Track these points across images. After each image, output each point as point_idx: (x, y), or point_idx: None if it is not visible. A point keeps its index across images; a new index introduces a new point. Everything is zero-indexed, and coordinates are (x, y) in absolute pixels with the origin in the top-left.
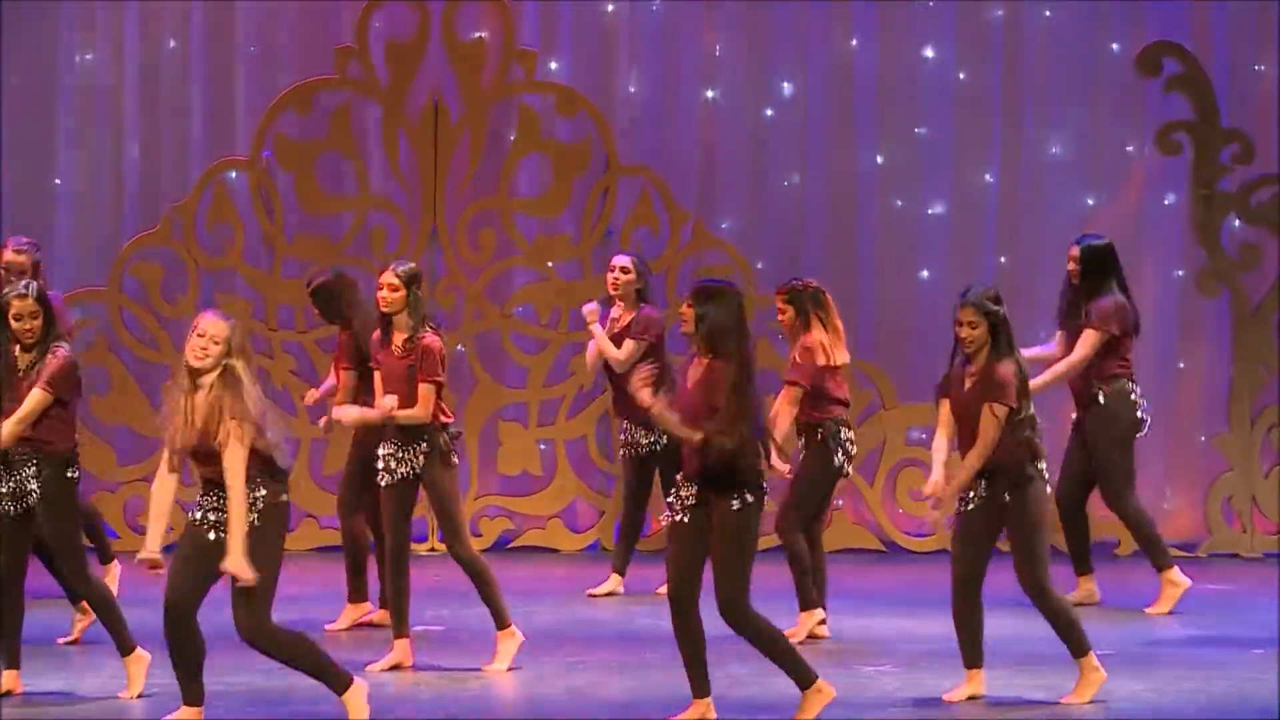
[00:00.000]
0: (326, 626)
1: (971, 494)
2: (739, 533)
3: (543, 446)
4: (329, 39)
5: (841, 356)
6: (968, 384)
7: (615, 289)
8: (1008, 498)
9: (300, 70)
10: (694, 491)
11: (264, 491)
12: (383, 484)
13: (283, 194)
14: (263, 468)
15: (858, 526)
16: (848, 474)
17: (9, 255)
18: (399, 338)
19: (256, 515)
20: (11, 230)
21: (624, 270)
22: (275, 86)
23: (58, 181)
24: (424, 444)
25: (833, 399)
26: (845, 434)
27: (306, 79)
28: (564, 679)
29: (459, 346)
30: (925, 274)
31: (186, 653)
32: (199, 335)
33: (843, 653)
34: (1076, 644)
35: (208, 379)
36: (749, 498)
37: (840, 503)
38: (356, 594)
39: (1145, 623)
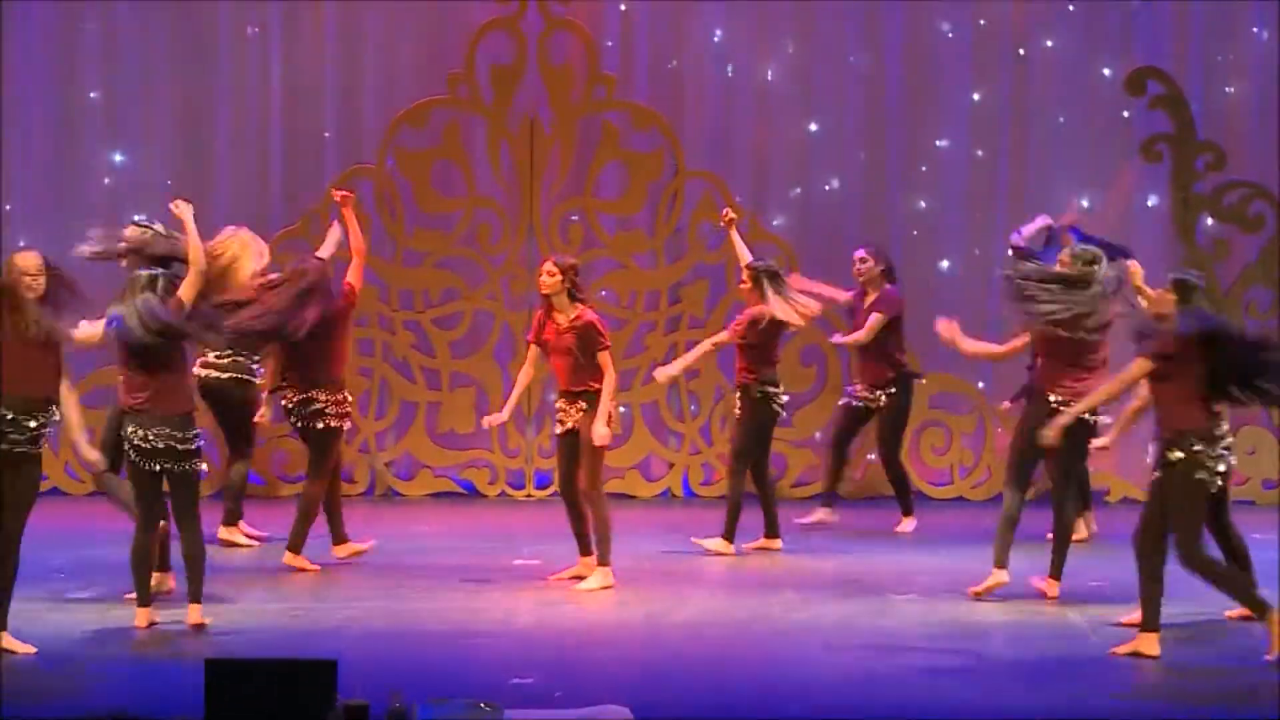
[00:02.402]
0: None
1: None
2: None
3: (622, 409)
4: (442, 65)
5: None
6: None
7: (861, 276)
8: None
9: (417, 92)
10: None
11: None
12: (556, 433)
13: (403, 196)
14: None
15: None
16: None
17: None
18: (560, 316)
19: None
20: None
21: (863, 260)
22: (396, 106)
23: (216, 185)
24: (582, 402)
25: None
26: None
27: (423, 99)
28: (645, 605)
29: None
30: (945, 264)
31: None
32: None
33: (877, 584)
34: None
35: None
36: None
37: (873, 456)
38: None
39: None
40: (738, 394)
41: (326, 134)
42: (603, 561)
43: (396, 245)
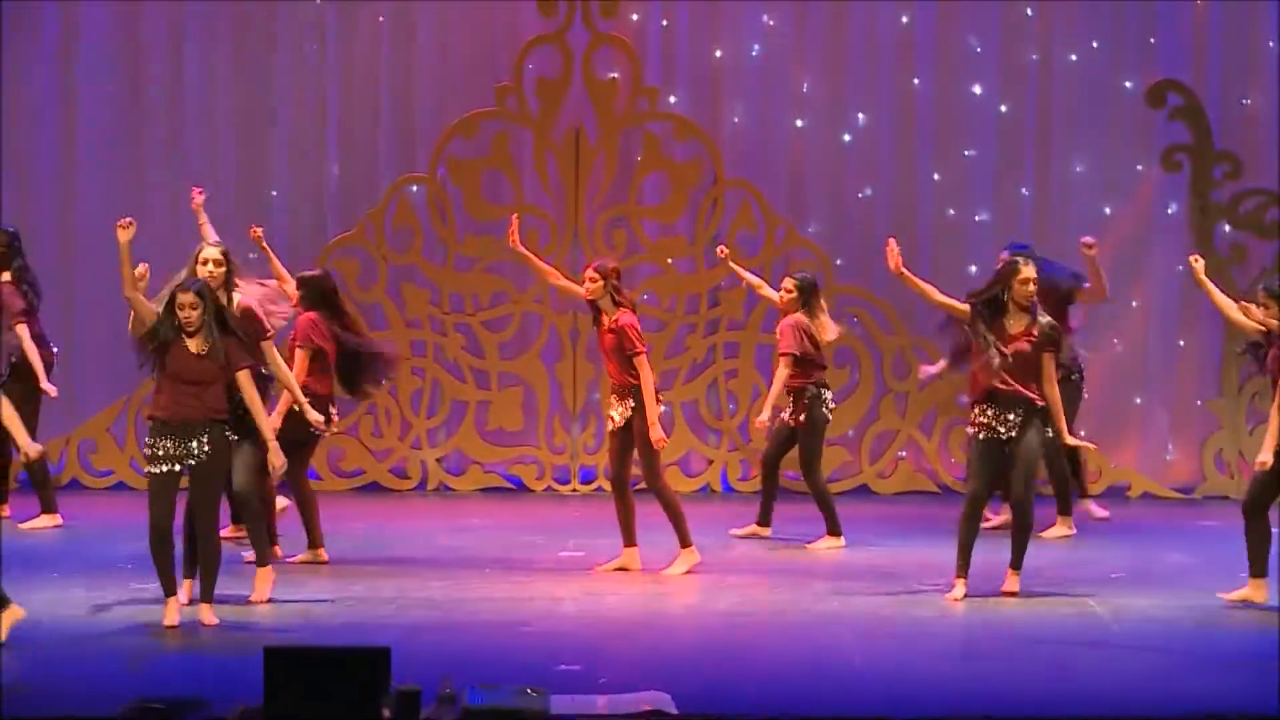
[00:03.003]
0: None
1: None
2: None
3: (663, 408)
4: (491, 79)
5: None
6: None
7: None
8: None
9: (467, 104)
10: None
11: None
12: (608, 429)
13: (454, 204)
14: None
15: (917, 473)
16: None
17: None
18: (605, 319)
19: None
20: (236, 233)
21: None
22: (447, 118)
23: (274, 193)
24: (631, 399)
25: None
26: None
27: (473, 111)
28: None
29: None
30: (973, 269)
31: None
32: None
33: (904, 574)
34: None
35: None
36: None
37: (904, 454)
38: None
39: (1156, 547)
40: (791, 399)
41: (381, 145)
42: (684, 543)
43: (448, 251)
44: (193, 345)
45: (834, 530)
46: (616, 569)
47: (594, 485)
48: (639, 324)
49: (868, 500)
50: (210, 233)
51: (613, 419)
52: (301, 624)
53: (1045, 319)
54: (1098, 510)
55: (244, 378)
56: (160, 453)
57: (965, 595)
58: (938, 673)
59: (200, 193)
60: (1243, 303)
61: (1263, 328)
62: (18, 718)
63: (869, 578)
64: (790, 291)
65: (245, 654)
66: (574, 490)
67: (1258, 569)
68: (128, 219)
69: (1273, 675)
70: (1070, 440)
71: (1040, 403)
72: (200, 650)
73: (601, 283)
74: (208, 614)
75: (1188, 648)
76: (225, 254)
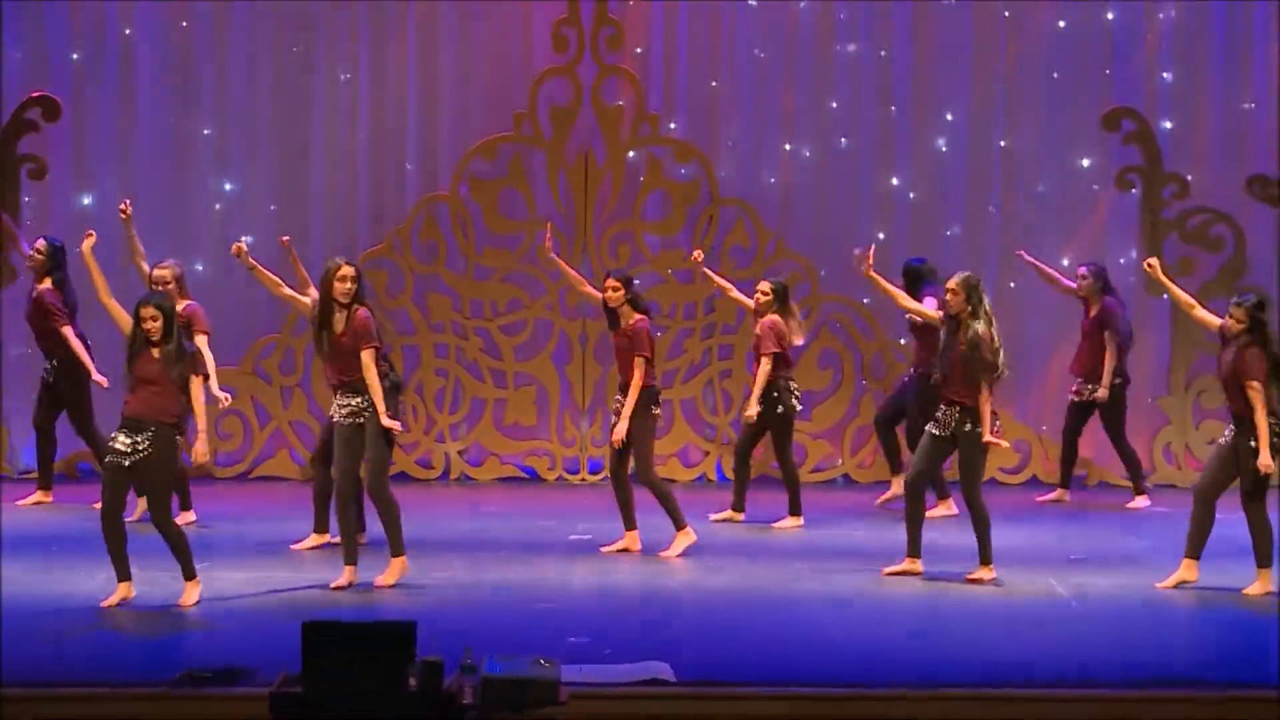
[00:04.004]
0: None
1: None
2: None
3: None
4: (508, 106)
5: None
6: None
7: (1082, 292)
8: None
9: (487, 129)
10: None
11: None
12: (611, 424)
13: (474, 219)
14: None
15: None
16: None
17: (157, 273)
18: (622, 323)
19: None
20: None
21: (1083, 277)
22: (468, 140)
23: (311, 209)
24: (642, 398)
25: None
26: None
27: (492, 135)
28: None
29: (601, 331)
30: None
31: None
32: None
33: (878, 555)
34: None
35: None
36: None
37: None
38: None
39: (1116, 533)
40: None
41: (408, 165)
42: (679, 526)
43: (468, 262)
44: (155, 352)
45: (795, 511)
46: (619, 550)
47: (601, 475)
48: (651, 330)
49: (848, 488)
50: (139, 245)
51: (617, 414)
52: (338, 600)
53: (973, 329)
54: (1060, 495)
55: (369, 372)
56: (116, 446)
57: (904, 572)
58: (908, 644)
59: (128, 205)
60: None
61: (1221, 324)
62: (84, 680)
63: (846, 558)
64: (766, 294)
65: (286, 627)
66: (583, 479)
67: (1192, 550)
68: (90, 230)
69: (1219, 645)
70: (987, 438)
71: (970, 404)
72: (247, 622)
73: (622, 290)
74: (190, 593)
75: (1141, 622)
76: (358, 272)
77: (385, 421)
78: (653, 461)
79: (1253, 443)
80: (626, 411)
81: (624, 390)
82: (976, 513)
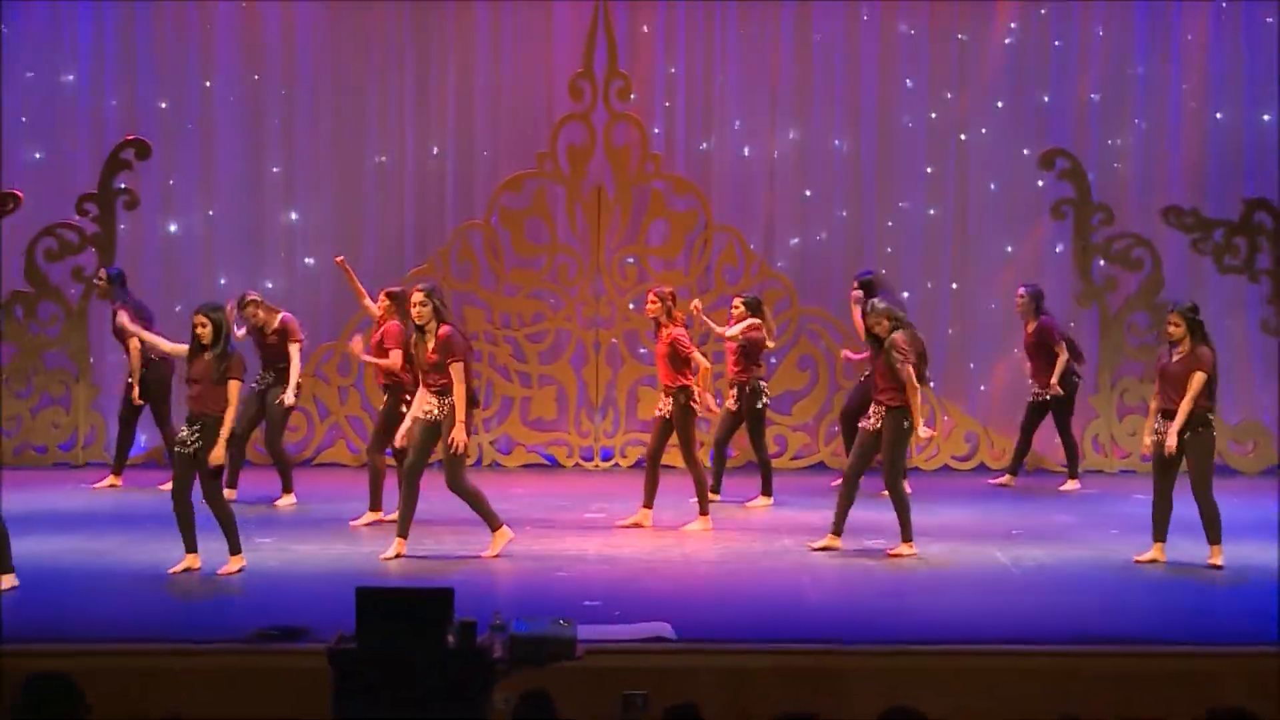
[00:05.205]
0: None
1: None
2: None
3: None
4: (532, 147)
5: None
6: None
7: (1019, 311)
8: (1188, 436)
9: (514, 166)
10: None
11: None
12: (654, 416)
13: (503, 243)
14: None
15: None
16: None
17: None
18: (662, 332)
19: None
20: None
21: (1020, 297)
22: (499, 177)
23: (364, 236)
24: (672, 399)
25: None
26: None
27: (518, 172)
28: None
29: (611, 339)
30: (905, 294)
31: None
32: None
33: (849, 531)
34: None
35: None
36: None
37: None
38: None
39: (1050, 511)
40: (734, 390)
41: (447, 198)
42: (703, 511)
43: (499, 280)
44: (206, 355)
45: (767, 491)
46: (632, 524)
47: (611, 462)
48: (687, 336)
49: (824, 473)
50: (359, 286)
51: (659, 410)
52: (387, 571)
53: (889, 340)
54: (1007, 480)
55: (459, 385)
56: (181, 436)
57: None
58: (876, 607)
59: (343, 259)
60: None
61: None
62: (172, 638)
63: (822, 533)
64: (738, 308)
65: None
66: (596, 466)
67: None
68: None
69: (1143, 608)
70: (921, 432)
71: (894, 404)
72: (308, 588)
73: (660, 304)
74: (232, 563)
75: (1071, 586)
76: (426, 295)
77: (455, 434)
78: (696, 449)
79: (1187, 433)
80: (699, 392)
81: (665, 391)
82: (896, 498)
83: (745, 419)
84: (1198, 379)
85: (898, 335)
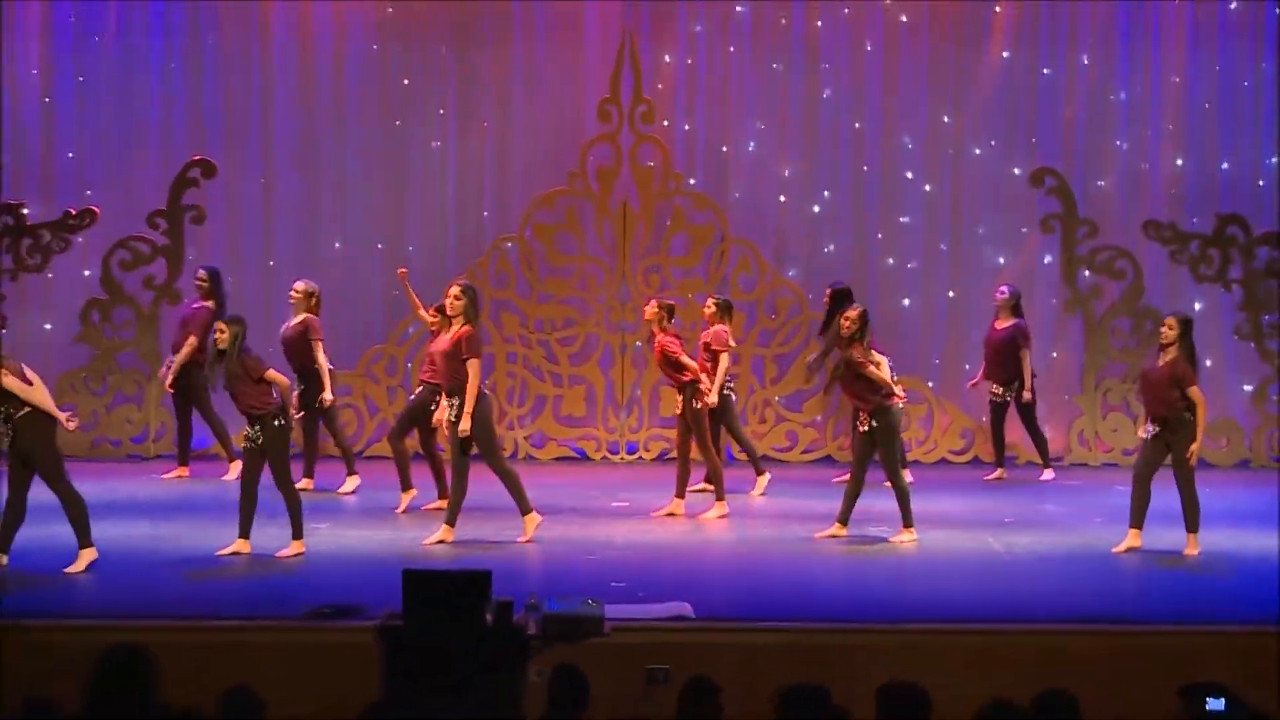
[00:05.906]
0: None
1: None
2: None
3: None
4: (564, 166)
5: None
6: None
7: (997, 304)
8: (1173, 435)
9: (547, 184)
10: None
11: None
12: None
13: (537, 255)
14: None
15: None
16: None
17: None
18: (654, 339)
19: None
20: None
21: (1002, 293)
22: (532, 193)
23: (409, 248)
24: (679, 394)
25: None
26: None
27: (551, 189)
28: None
29: (636, 343)
30: (906, 302)
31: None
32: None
33: (855, 519)
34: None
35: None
36: None
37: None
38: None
39: (1037, 501)
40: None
41: (485, 213)
42: (719, 498)
43: (532, 289)
44: (231, 361)
45: (759, 470)
46: (667, 514)
47: (636, 455)
48: (677, 343)
49: (831, 466)
50: (415, 298)
51: (676, 408)
52: (430, 555)
53: (846, 357)
54: (1000, 474)
55: (473, 377)
56: (245, 432)
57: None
58: (880, 588)
59: (404, 272)
60: None
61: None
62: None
63: (829, 521)
64: (710, 308)
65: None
66: (622, 459)
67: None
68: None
69: (1126, 590)
70: (896, 396)
71: (877, 405)
72: (360, 571)
73: (658, 311)
74: (292, 547)
75: (1059, 570)
76: (462, 290)
77: (463, 424)
78: (709, 439)
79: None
80: (715, 386)
81: (675, 389)
82: (897, 488)
83: (716, 412)
84: (1197, 393)
85: (853, 351)
